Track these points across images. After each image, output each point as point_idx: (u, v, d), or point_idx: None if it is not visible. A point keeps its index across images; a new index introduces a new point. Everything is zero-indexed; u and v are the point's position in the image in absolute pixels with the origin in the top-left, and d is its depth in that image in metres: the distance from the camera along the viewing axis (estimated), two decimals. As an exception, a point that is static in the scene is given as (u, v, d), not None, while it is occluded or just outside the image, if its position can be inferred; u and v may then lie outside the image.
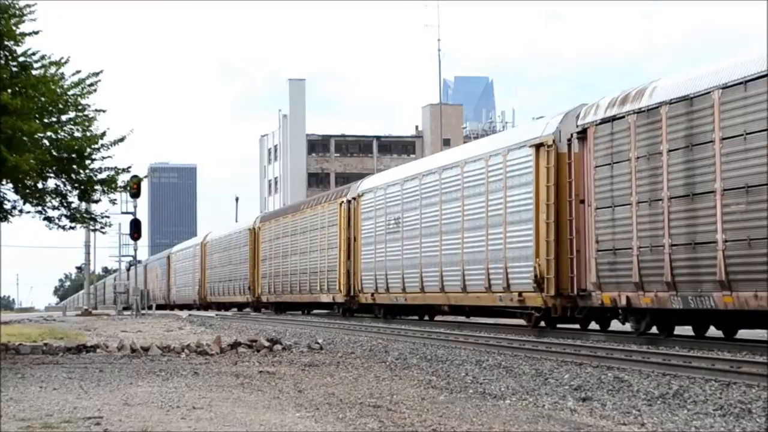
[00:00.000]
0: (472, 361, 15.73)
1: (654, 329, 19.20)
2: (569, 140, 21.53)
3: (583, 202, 20.92)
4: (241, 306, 54.41)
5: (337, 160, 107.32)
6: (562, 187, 21.77)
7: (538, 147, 22.45)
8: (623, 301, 19.26)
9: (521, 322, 24.55)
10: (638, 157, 18.84)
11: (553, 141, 21.92)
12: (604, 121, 19.97)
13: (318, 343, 19.65)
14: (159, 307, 72.40)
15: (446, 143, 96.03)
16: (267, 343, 18.67)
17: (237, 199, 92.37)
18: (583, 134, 20.81)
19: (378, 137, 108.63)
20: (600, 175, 20.06)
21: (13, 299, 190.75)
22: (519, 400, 10.74)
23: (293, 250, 43.40)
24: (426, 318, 31.62)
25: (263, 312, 48.33)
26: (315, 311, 44.17)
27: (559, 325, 23.04)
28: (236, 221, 73.11)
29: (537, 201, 22.37)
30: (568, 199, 21.44)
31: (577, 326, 22.74)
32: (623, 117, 19.31)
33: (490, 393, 11.33)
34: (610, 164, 19.71)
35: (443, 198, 27.37)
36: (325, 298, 38.98)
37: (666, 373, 13.03)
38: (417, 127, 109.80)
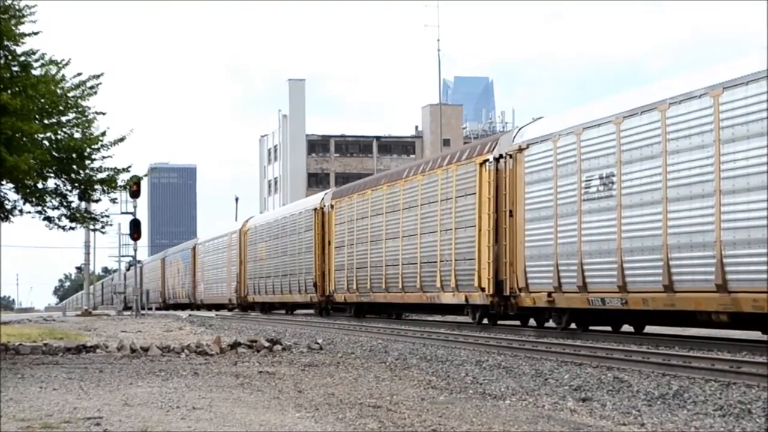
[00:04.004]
0: (472, 361, 15.73)
1: None
2: None
3: None
4: (301, 307, 44.85)
5: (337, 161, 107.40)
6: None
7: None
8: None
9: None
10: None
11: None
12: None
13: (318, 343, 19.65)
14: (182, 306, 66.45)
15: (446, 143, 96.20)
16: (267, 344, 18.68)
17: (237, 200, 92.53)
18: None
19: (378, 137, 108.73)
20: None
21: (13, 299, 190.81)
22: (519, 400, 10.74)
23: (390, 234, 32.42)
24: (630, 329, 21.96)
25: (332, 315, 38.99)
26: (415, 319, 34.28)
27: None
28: (236, 221, 72.18)
29: None
30: None
31: None
32: None
33: (490, 393, 11.33)
34: None
35: (724, 135, 17.16)
36: (450, 299, 28.03)
37: (666, 374, 13.03)
38: (417, 127, 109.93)
